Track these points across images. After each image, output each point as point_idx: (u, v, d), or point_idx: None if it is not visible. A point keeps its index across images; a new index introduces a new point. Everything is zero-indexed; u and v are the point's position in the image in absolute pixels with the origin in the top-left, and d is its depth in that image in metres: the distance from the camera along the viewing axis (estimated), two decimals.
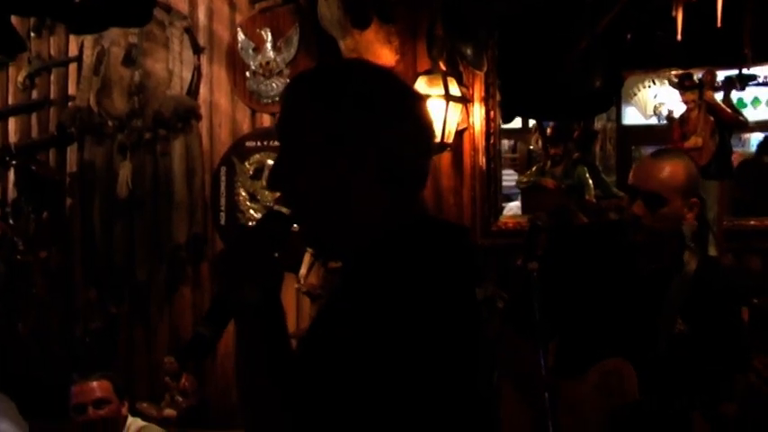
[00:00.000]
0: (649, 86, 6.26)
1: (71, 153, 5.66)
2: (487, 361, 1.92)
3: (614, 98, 6.01)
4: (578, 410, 3.04)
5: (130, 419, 4.42)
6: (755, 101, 5.98)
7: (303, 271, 5.00)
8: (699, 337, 3.08)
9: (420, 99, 1.95)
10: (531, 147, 5.94)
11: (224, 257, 1.86)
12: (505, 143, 6.48)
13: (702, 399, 2.99)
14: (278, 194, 1.94)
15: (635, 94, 6.35)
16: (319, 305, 4.86)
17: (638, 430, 3.03)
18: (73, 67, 5.66)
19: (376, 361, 1.66)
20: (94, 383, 4.28)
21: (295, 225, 1.87)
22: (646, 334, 3.09)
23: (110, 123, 5.50)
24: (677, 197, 3.06)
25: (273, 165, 1.92)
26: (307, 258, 4.99)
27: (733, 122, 4.76)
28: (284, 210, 1.88)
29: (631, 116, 6.31)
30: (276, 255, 1.84)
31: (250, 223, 5.23)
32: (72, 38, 5.65)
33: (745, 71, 5.11)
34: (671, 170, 3.06)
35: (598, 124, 6.04)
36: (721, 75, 4.96)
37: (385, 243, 1.79)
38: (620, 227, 3.18)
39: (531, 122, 5.87)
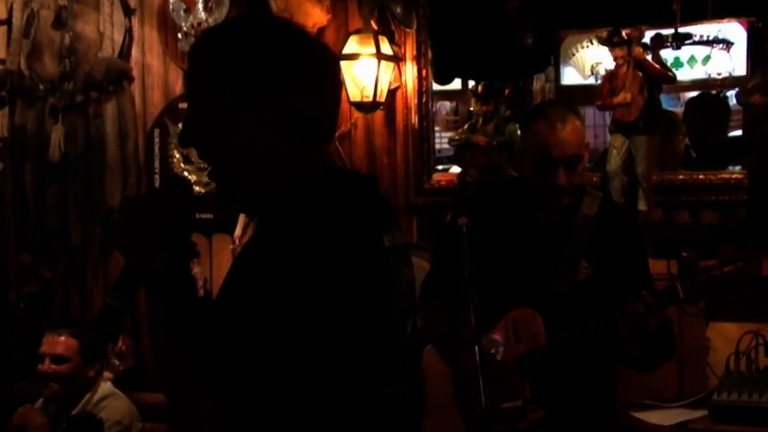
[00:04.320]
0: (587, 46, 6.24)
1: (2, 117, 5.59)
2: (400, 308, 1.92)
3: (551, 58, 6.02)
4: (491, 363, 3.06)
5: (103, 385, 4.40)
6: (691, 60, 5.98)
7: (238, 232, 4.99)
8: (604, 280, 3.12)
9: (329, 55, 1.96)
10: (472, 108, 5.93)
11: (123, 226, 1.88)
12: (447, 105, 6.48)
13: (599, 322, 3.03)
14: None
15: (573, 55, 6.33)
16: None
17: (544, 372, 3.08)
18: (2, 30, 5.59)
19: (281, 309, 1.68)
20: (61, 338, 4.25)
21: (196, 189, 1.89)
22: (552, 280, 3.14)
23: (41, 86, 5.46)
24: (584, 148, 3.13)
25: (184, 121, 1.93)
26: (241, 219, 4.98)
27: (661, 78, 4.78)
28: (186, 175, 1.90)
29: (570, 76, 6.28)
30: (180, 220, 1.86)
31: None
32: (0, 1, 5.59)
33: (681, 30, 5.14)
34: (573, 127, 3.08)
35: (537, 84, 6.03)
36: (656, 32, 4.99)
37: (292, 194, 1.81)
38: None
39: (472, 84, 5.87)
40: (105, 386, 4.38)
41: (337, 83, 1.95)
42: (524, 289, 3.15)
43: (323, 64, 1.90)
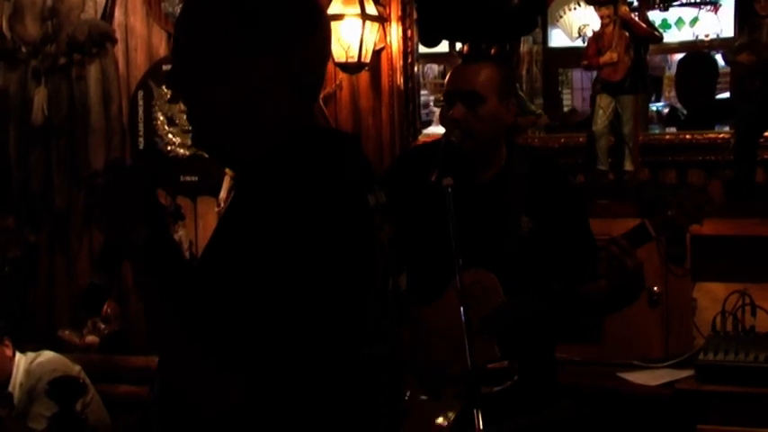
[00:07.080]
0: (575, 8, 6.23)
1: None
2: (382, 267, 1.90)
3: (538, 20, 5.98)
4: (448, 329, 3.03)
5: (20, 356, 4.42)
6: (679, 21, 5.97)
7: (223, 194, 4.98)
8: (545, 233, 3.13)
9: (324, 11, 1.97)
10: None
11: (101, 202, 1.85)
12: (435, 68, 6.45)
13: (563, 286, 3.05)
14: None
15: (561, 17, 6.31)
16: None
17: (508, 332, 3.07)
18: None
19: (265, 265, 1.66)
20: None
21: (180, 152, 1.87)
22: (497, 237, 3.14)
23: (23, 49, 5.41)
24: (493, 96, 3.13)
25: (172, 67, 1.90)
26: (226, 181, 4.96)
27: (648, 37, 4.74)
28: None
29: (557, 38, 6.28)
30: (155, 191, 1.85)
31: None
32: None
33: None
34: (484, 70, 3.15)
35: (524, 47, 6.00)
36: None
37: (280, 150, 1.79)
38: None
39: (459, 46, 5.83)
40: (23, 356, 4.41)
41: (329, 36, 1.95)
42: (471, 248, 3.09)
43: (322, 17, 1.92)
